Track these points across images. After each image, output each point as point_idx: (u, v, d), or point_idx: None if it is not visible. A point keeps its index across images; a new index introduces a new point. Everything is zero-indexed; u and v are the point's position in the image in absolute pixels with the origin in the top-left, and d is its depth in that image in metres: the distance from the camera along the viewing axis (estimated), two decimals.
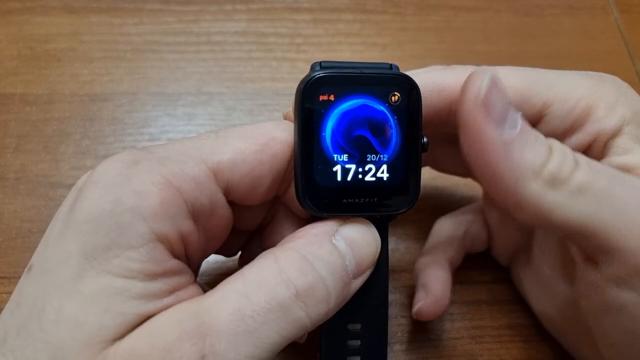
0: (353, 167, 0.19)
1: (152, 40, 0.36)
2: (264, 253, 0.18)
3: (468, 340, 0.27)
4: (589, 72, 0.22)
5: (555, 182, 0.18)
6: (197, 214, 0.18)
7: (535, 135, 0.19)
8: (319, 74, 0.19)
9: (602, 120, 0.21)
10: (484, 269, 0.29)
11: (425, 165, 0.27)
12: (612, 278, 0.19)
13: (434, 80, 0.21)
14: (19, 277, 0.27)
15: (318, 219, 0.19)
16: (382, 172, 0.19)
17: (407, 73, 0.20)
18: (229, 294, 0.16)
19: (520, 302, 0.28)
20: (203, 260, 0.18)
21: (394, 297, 0.28)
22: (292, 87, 0.36)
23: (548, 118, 0.21)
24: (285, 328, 0.16)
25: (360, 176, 0.19)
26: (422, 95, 0.19)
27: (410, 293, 0.27)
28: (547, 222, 0.19)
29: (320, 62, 0.19)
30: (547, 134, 0.21)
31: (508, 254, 0.28)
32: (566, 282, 0.24)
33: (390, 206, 0.20)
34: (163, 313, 0.16)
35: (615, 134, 0.21)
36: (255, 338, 0.16)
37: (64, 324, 0.16)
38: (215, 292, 0.17)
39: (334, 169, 0.19)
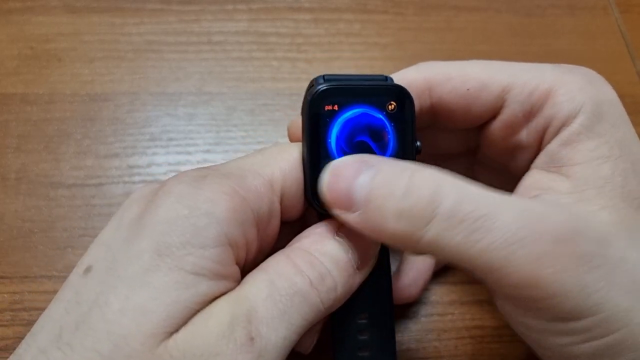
0: None
1: (153, 40, 0.36)
2: (275, 254, 0.20)
3: (469, 339, 0.27)
4: (562, 65, 0.22)
5: (424, 217, 0.18)
6: (259, 223, 0.19)
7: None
8: (324, 86, 0.20)
9: (560, 105, 0.21)
10: None
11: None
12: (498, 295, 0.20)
13: (399, 78, 0.22)
14: (20, 277, 0.28)
15: (325, 217, 0.21)
16: None
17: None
18: (259, 283, 0.18)
19: None
20: (249, 272, 0.19)
21: None
22: (293, 86, 0.37)
23: (508, 103, 0.22)
24: (306, 312, 0.18)
25: None
26: None
27: None
28: (434, 253, 0.19)
29: (323, 76, 0.21)
30: (508, 119, 0.22)
31: None
32: None
33: None
34: (213, 303, 0.17)
35: (566, 122, 0.21)
36: (285, 321, 0.17)
37: (130, 313, 0.16)
38: (247, 283, 0.18)
39: None
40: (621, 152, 0.20)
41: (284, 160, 0.21)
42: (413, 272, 0.26)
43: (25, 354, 0.17)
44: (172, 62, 0.35)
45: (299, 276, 0.18)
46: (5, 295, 0.27)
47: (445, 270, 0.29)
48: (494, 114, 0.22)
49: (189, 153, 0.32)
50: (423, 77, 0.22)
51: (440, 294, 0.28)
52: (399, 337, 0.27)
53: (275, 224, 0.21)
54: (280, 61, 0.36)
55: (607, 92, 0.21)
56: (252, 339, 0.17)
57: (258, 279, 0.18)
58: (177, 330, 0.16)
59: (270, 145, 0.22)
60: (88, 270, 0.18)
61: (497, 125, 0.23)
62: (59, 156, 0.31)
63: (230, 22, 0.37)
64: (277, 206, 0.20)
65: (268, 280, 0.18)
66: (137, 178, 0.31)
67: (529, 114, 0.22)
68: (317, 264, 0.19)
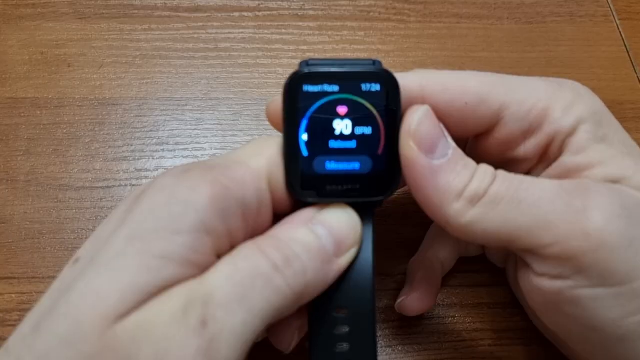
0: (336, 156, 0.20)
1: (160, 46, 0.36)
2: (246, 242, 0.19)
3: (469, 342, 0.28)
4: (549, 78, 0.23)
5: (474, 199, 0.20)
6: (245, 213, 0.19)
7: (464, 162, 0.20)
8: (303, 70, 0.20)
9: (559, 121, 0.21)
10: (484, 272, 0.29)
11: None
12: (543, 274, 0.20)
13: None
14: (29, 278, 0.28)
15: (303, 206, 0.20)
16: (364, 161, 0.20)
17: None
18: (221, 267, 0.18)
19: (520, 305, 0.28)
20: None
21: (396, 299, 0.28)
22: None
23: (505, 120, 0.22)
24: (269, 295, 0.17)
25: (342, 165, 0.20)
26: None
27: None
28: (471, 237, 0.20)
29: (307, 60, 0.20)
30: (506, 136, 0.22)
31: (501, 256, 0.28)
32: None
33: (371, 193, 0.20)
34: (173, 287, 0.17)
35: (571, 133, 0.21)
36: (245, 304, 0.17)
37: (88, 297, 0.16)
38: (210, 268, 0.18)
39: (318, 158, 0.20)
40: (631, 151, 0.21)
41: (271, 148, 0.20)
42: (424, 284, 0.26)
43: (11, 339, 0.17)
44: (180, 68, 0.36)
45: (263, 259, 0.18)
46: (14, 296, 0.28)
47: (446, 274, 0.29)
48: (489, 128, 0.23)
49: (195, 157, 0.33)
50: (418, 83, 0.22)
51: (441, 297, 0.29)
52: (399, 340, 0.27)
53: (267, 214, 0.20)
54: (285, 68, 0.36)
55: (597, 103, 0.22)
56: (204, 322, 0.16)
57: (222, 262, 0.18)
58: (130, 313, 0.16)
59: (253, 138, 0.22)
60: (76, 261, 0.18)
61: (492, 140, 0.23)
62: (68, 159, 0.32)
63: (237, 29, 0.38)
64: (266, 195, 0.20)
65: (230, 264, 0.18)
66: (144, 181, 0.32)
67: (527, 132, 0.22)
68: (284, 248, 0.18)
